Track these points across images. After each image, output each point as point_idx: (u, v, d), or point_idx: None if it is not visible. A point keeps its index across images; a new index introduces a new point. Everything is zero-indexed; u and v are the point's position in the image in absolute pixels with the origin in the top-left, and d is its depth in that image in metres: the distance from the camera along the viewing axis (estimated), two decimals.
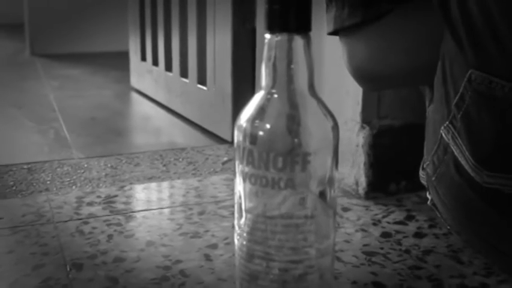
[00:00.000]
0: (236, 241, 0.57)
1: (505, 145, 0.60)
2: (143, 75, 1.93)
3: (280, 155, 0.51)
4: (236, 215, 0.56)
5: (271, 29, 0.52)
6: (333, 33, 0.80)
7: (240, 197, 0.55)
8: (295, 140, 0.52)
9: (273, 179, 0.52)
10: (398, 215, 0.94)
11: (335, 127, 0.54)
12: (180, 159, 1.24)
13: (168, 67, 1.72)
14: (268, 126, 0.52)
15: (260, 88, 0.53)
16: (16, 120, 1.62)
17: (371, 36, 0.77)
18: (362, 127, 1.00)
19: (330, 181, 0.55)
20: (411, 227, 0.90)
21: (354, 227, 0.90)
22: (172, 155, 1.27)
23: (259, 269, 0.55)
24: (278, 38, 0.52)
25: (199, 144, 1.36)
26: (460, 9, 0.59)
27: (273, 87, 0.53)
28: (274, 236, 0.54)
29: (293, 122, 0.53)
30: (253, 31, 1.29)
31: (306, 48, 0.52)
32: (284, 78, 0.52)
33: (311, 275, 0.56)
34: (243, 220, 0.55)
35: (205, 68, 1.46)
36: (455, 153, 0.65)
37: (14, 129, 1.53)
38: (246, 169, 0.53)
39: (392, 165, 1.01)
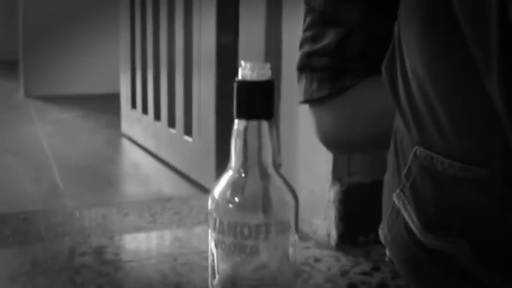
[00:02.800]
0: None
1: (445, 212, 0.68)
2: (134, 122, 2.02)
3: (246, 226, 0.60)
4: (209, 276, 0.64)
5: (239, 116, 0.61)
6: (304, 102, 0.89)
7: (213, 260, 0.63)
8: (261, 212, 0.60)
9: (240, 245, 0.60)
10: (365, 266, 1.02)
11: (296, 201, 0.62)
12: (166, 210, 1.33)
13: (157, 116, 1.81)
14: (236, 200, 0.61)
15: (229, 167, 0.62)
16: (12, 168, 1.70)
17: (336, 107, 0.86)
18: (333, 184, 1.09)
19: (293, 245, 0.63)
20: (376, 278, 0.98)
21: (324, 277, 0.98)
22: (159, 206, 1.35)
23: None
24: (245, 123, 0.61)
25: (185, 193, 1.45)
26: (405, 92, 0.68)
27: (241, 166, 0.61)
28: None
29: (258, 196, 0.61)
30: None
31: (270, 132, 0.61)
32: (251, 159, 0.61)
33: None
34: (215, 281, 0.63)
35: (191, 119, 1.55)
36: (406, 218, 0.73)
37: (11, 176, 1.61)
38: (217, 237, 0.61)
39: (361, 218, 1.10)
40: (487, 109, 0.57)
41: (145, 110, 1.92)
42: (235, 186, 0.61)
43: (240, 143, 0.61)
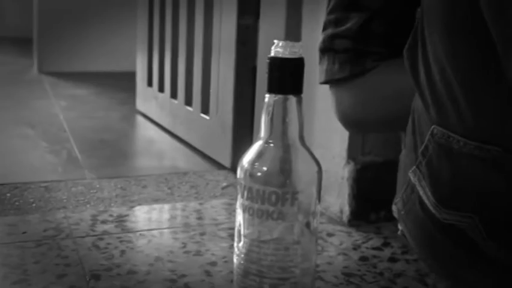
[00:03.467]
0: (235, 260, 0.69)
1: (459, 188, 0.72)
2: (149, 100, 2.06)
3: (274, 192, 0.64)
4: (236, 238, 0.68)
5: (271, 90, 0.65)
6: (325, 82, 0.93)
7: (239, 225, 0.67)
8: (287, 181, 0.65)
9: (267, 211, 0.64)
10: (376, 241, 1.07)
11: (319, 171, 0.66)
12: (183, 183, 1.37)
13: (173, 94, 1.85)
14: (265, 168, 0.65)
15: (259, 138, 0.66)
16: (31, 140, 1.74)
17: (356, 88, 0.90)
18: (348, 162, 1.13)
19: (314, 214, 0.67)
20: (387, 252, 1.02)
21: (337, 251, 1.02)
22: (176, 179, 1.39)
23: (253, 284, 0.68)
24: (276, 97, 0.65)
25: (200, 169, 1.49)
26: (426, 76, 0.72)
27: (269, 137, 0.65)
28: (266, 257, 0.66)
29: (285, 166, 0.65)
30: (254, 70, 1.42)
31: (298, 106, 0.65)
32: (279, 130, 0.65)
33: None
34: (241, 243, 0.67)
35: (208, 98, 1.59)
36: (420, 193, 0.77)
37: (30, 149, 1.66)
38: (246, 202, 0.65)
39: (373, 196, 1.14)
40: (504, 93, 0.61)
41: (161, 88, 1.95)
42: (264, 156, 0.65)
43: (270, 115, 0.65)
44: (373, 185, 1.14)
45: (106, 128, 1.94)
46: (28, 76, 3.06)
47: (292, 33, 1.26)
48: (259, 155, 0.66)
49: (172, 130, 1.83)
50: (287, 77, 0.65)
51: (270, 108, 0.65)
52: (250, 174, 0.65)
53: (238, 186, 0.67)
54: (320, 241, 1.06)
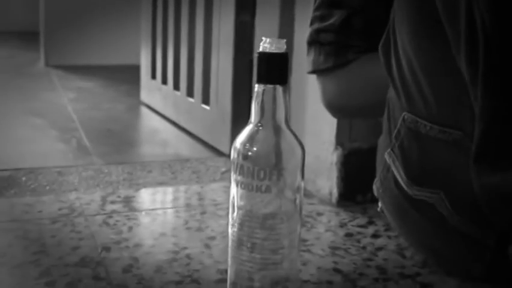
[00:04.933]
0: (230, 230, 0.79)
1: (427, 167, 0.82)
2: (153, 91, 2.16)
3: (262, 169, 0.74)
4: (230, 210, 0.78)
5: (260, 81, 0.75)
6: (311, 72, 1.03)
7: (233, 198, 0.77)
8: (274, 159, 0.75)
9: (257, 185, 0.74)
10: (362, 220, 1.17)
11: (303, 151, 0.76)
12: (186, 168, 1.47)
13: (176, 86, 1.95)
14: (255, 148, 0.75)
15: (250, 122, 0.76)
16: (41, 130, 1.85)
17: (340, 78, 1.00)
18: (336, 148, 1.23)
19: (299, 189, 0.77)
20: (371, 229, 1.12)
21: (325, 228, 1.12)
22: (179, 165, 1.50)
23: (246, 254, 0.77)
24: (264, 87, 0.75)
25: (201, 156, 1.59)
26: (397, 69, 0.82)
27: (259, 121, 0.75)
28: (257, 229, 0.76)
29: (272, 146, 0.75)
30: (251, 63, 1.52)
31: (284, 95, 0.75)
32: (267, 116, 0.75)
33: (284, 262, 0.78)
34: (235, 214, 0.77)
35: (208, 90, 1.69)
36: (394, 172, 0.87)
37: (41, 137, 1.76)
38: (238, 178, 0.75)
39: (360, 179, 1.24)
40: (459, 82, 0.71)
41: (164, 81, 2.05)
42: (254, 138, 0.75)
43: (259, 103, 0.75)
44: (359, 169, 1.23)
45: (113, 118, 2.05)
46: (35, 69, 3.16)
47: (286, 29, 1.36)
48: (250, 137, 0.76)
49: (175, 120, 1.94)
50: (274, 69, 0.75)
51: (259, 97, 0.75)
52: (242, 153, 0.75)
53: (232, 164, 0.77)
54: (310, 219, 1.16)
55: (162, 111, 2.05)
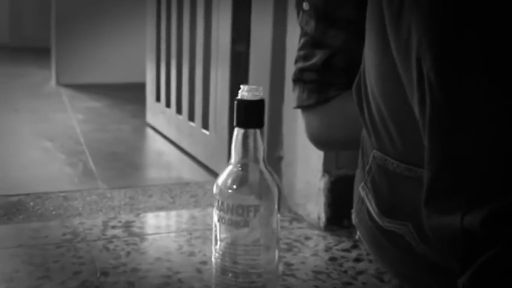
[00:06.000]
0: (213, 259, 0.87)
1: (395, 201, 0.90)
2: (158, 114, 2.25)
3: (241, 206, 0.81)
4: (213, 242, 0.86)
5: (238, 125, 0.83)
6: (296, 107, 1.11)
7: (216, 230, 0.85)
8: (251, 196, 0.82)
9: (236, 220, 0.82)
10: (346, 244, 1.24)
11: (278, 189, 0.84)
12: (185, 193, 1.55)
13: (179, 110, 2.03)
14: (234, 187, 0.83)
15: (230, 163, 0.84)
16: (50, 153, 1.93)
17: (322, 114, 1.08)
18: (323, 175, 1.30)
19: (276, 223, 0.85)
20: (354, 253, 1.19)
21: (310, 252, 1.20)
22: (178, 189, 1.58)
23: (230, 278, 0.85)
24: (243, 131, 0.83)
25: (201, 180, 1.67)
26: (367, 110, 0.89)
27: (238, 162, 0.83)
28: (238, 257, 0.84)
29: (250, 185, 0.83)
30: None
31: (260, 137, 0.83)
32: (246, 157, 0.83)
33: (265, 285, 0.85)
34: (217, 246, 0.85)
35: (208, 115, 1.78)
36: (368, 205, 0.94)
37: (49, 161, 1.85)
38: (220, 213, 0.83)
39: (346, 205, 1.30)
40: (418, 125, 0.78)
41: (168, 104, 2.14)
42: (233, 177, 0.83)
43: (238, 145, 0.83)
44: (345, 195, 1.30)
45: (119, 140, 2.13)
46: (47, 89, 3.25)
47: (278, 59, 1.44)
48: (230, 176, 0.83)
49: (178, 143, 2.02)
50: (251, 115, 0.83)
51: (238, 139, 0.83)
52: (222, 191, 0.83)
53: (214, 200, 0.85)
54: (297, 244, 1.23)
55: (166, 134, 2.14)
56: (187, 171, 1.79)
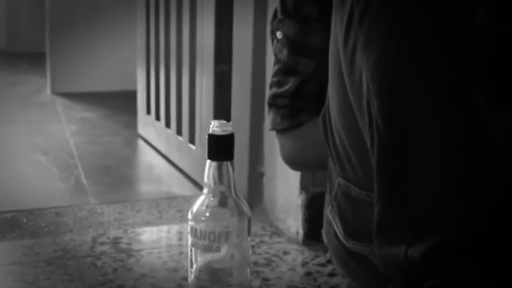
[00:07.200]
0: (189, 280, 0.94)
1: (359, 224, 0.96)
2: (148, 126, 2.32)
3: (213, 232, 0.88)
4: (189, 264, 0.93)
5: (210, 158, 0.90)
6: (271, 130, 1.18)
7: (190, 254, 0.92)
8: (223, 223, 0.89)
9: (208, 245, 0.89)
10: (322, 259, 1.31)
11: (248, 215, 0.91)
12: (172, 207, 1.62)
13: (167, 124, 2.10)
14: (207, 214, 0.90)
15: (203, 193, 0.91)
16: (43, 167, 2.00)
17: (294, 137, 1.14)
18: (301, 192, 1.37)
19: (247, 247, 0.92)
20: (328, 268, 1.26)
21: (287, 267, 1.27)
22: (166, 203, 1.65)
23: None
24: (214, 163, 0.89)
25: (189, 194, 1.74)
26: (331, 140, 0.96)
27: (209, 192, 0.90)
28: (212, 277, 0.91)
29: (221, 213, 0.90)
30: (229, 109, 1.67)
31: (231, 169, 0.90)
32: (218, 186, 0.90)
33: None
34: (193, 268, 0.92)
35: (194, 130, 1.85)
36: (335, 227, 1.01)
37: (42, 176, 1.92)
38: (193, 239, 0.90)
39: (322, 221, 1.37)
40: None
41: (157, 117, 2.21)
42: (206, 205, 0.90)
43: (210, 175, 0.90)
44: (322, 211, 1.37)
45: (110, 153, 2.20)
46: (42, 98, 3.31)
47: (258, 77, 1.51)
48: (202, 205, 0.90)
49: (168, 156, 2.09)
50: (221, 148, 0.90)
51: (210, 171, 0.90)
52: (196, 218, 0.90)
53: (188, 227, 0.92)
54: (276, 259, 1.30)
55: (157, 146, 2.21)
56: (176, 184, 1.86)
